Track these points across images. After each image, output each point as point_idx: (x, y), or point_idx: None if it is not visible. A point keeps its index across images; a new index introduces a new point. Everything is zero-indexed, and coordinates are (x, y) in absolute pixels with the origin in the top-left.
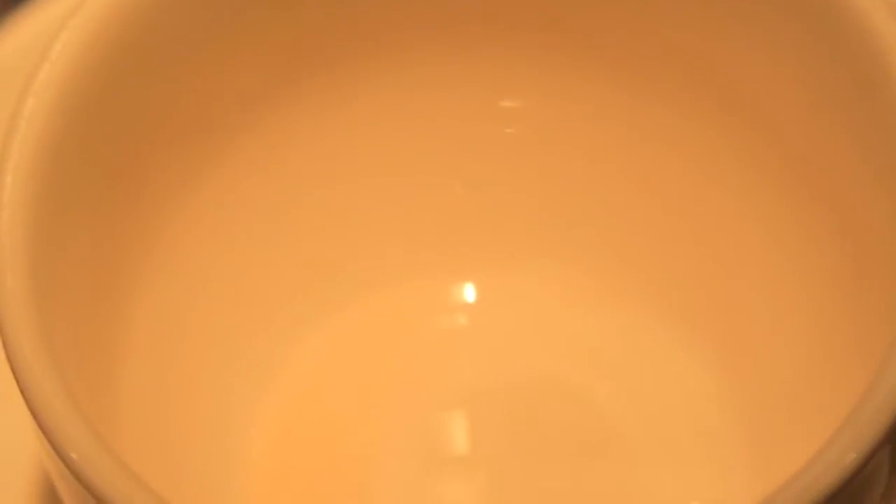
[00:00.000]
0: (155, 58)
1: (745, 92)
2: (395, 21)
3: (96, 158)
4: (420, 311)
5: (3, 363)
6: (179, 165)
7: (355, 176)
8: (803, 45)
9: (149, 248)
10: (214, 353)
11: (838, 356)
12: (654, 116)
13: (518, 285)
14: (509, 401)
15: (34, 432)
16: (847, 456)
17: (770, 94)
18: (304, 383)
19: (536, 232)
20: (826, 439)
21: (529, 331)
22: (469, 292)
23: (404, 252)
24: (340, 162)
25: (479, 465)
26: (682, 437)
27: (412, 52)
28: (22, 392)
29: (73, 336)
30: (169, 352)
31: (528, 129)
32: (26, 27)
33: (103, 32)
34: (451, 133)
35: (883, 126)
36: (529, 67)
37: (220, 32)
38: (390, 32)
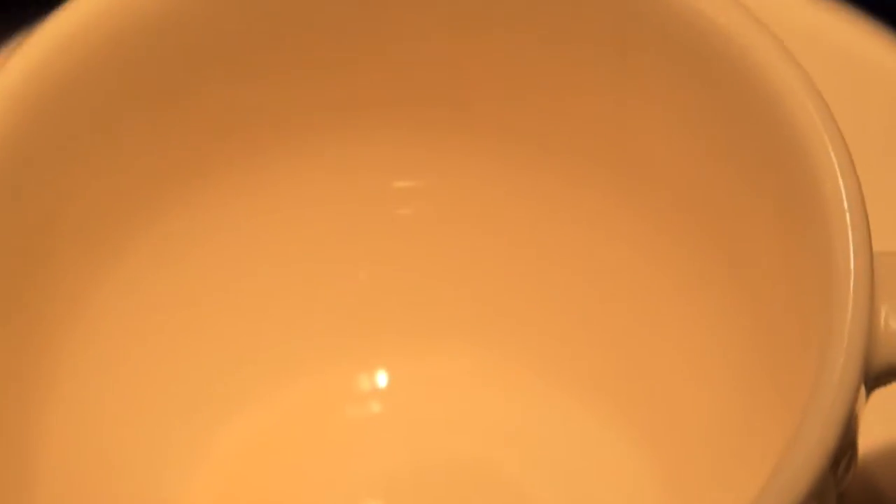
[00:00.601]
0: (53, 155)
1: (642, 154)
2: (289, 110)
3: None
4: (332, 400)
5: None
6: (87, 259)
7: (259, 266)
8: (699, 99)
9: (62, 342)
10: (129, 443)
11: (759, 420)
12: (551, 187)
13: (429, 369)
14: (427, 486)
15: None
16: None
17: (666, 152)
18: (222, 477)
19: (445, 314)
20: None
21: (443, 415)
22: (381, 378)
23: (314, 340)
24: (244, 253)
25: None
26: None
27: (308, 140)
28: None
29: None
30: (87, 444)
31: (424, 209)
32: None
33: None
34: (350, 218)
35: (790, 182)
36: (421, 147)
37: (120, 127)
38: (286, 122)
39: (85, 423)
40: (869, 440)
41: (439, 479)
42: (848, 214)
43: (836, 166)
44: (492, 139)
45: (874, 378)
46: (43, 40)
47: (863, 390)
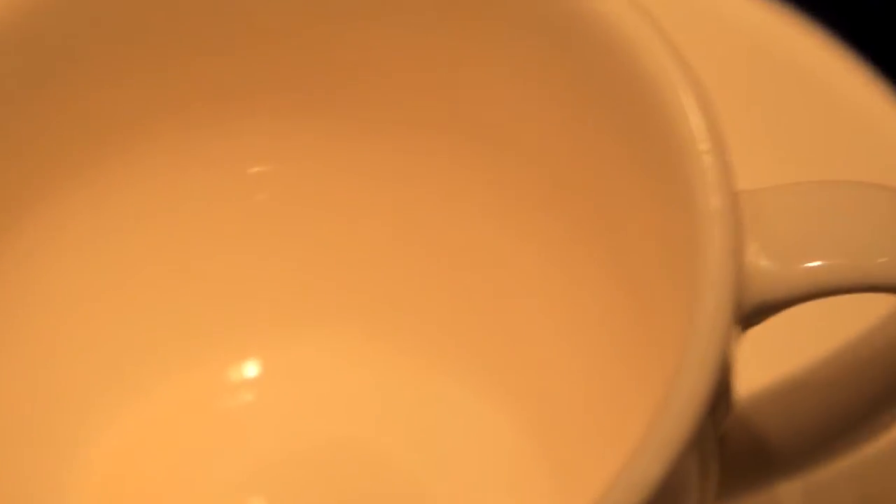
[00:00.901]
0: None
1: (497, 122)
2: (146, 108)
3: None
4: (204, 394)
5: None
6: None
7: (124, 264)
8: (551, 61)
9: None
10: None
11: (637, 377)
12: (407, 163)
13: (300, 356)
14: (305, 471)
15: None
16: (651, 468)
17: (521, 118)
18: (100, 478)
19: (310, 299)
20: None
21: (316, 400)
22: (251, 369)
23: (180, 335)
24: (109, 252)
25: None
26: (483, 481)
27: (165, 136)
28: None
29: None
30: None
31: (281, 194)
32: None
33: None
34: (210, 209)
35: (647, 130)
36: (272, 133)
37: None
38: (144, 120)
39: None
40: (746, 381)
41: (316, 464)
42: (707, 155)
43: (691, 107)
44: (344, 121)
45: (746, 317)
46: None
47: (736, 330)
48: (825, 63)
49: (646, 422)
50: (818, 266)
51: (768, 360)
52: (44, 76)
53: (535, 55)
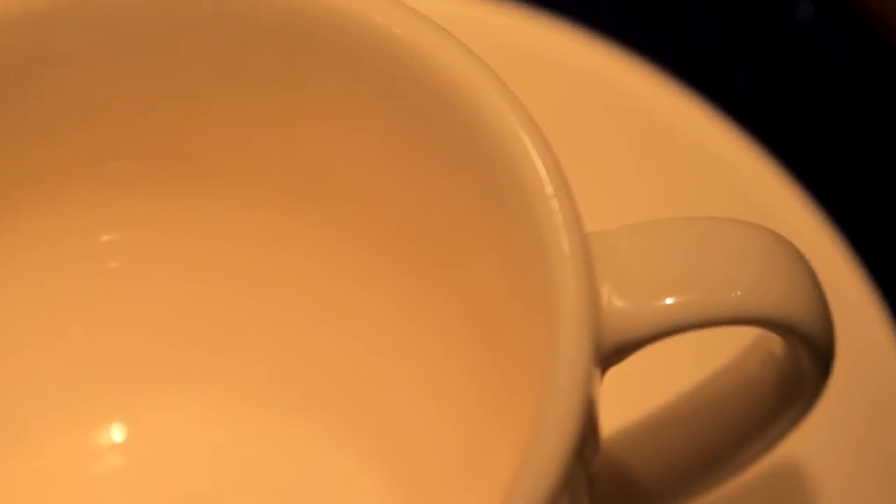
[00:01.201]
0: None
1: (344, 177)
2: None
3: None
4: (70, 460)
5: None
6: None
7: None
8: (390, 114)
9: None
10: None
11: (492, 434)
12: (254, 223)
13: (162, 417)
14: None
15: None
16: None
17: (373, 177)
18: None
19: (170, 362)
20: None
21: (181, 460)
22: (117, 433)
23: (42, 404)
24: None
25: None
26: None
27: (11, 212)
28: None
29: None
30: None
31: (131, 261)
32: None
33: None
34: (62, 280)
35: (491, 177)
36: (121, 200)
37: None
38: None
39: None
40: (610, 421)
41: None
42: (553, 198)
43: (534, 153)
44: (190, 188)
45: (605, 357)
46: None
47: (597, 371)
48: (666, 102)
49: (512, 471)
50: (673, 303)
51: (632, 399)
52: None
53: (374, 111)
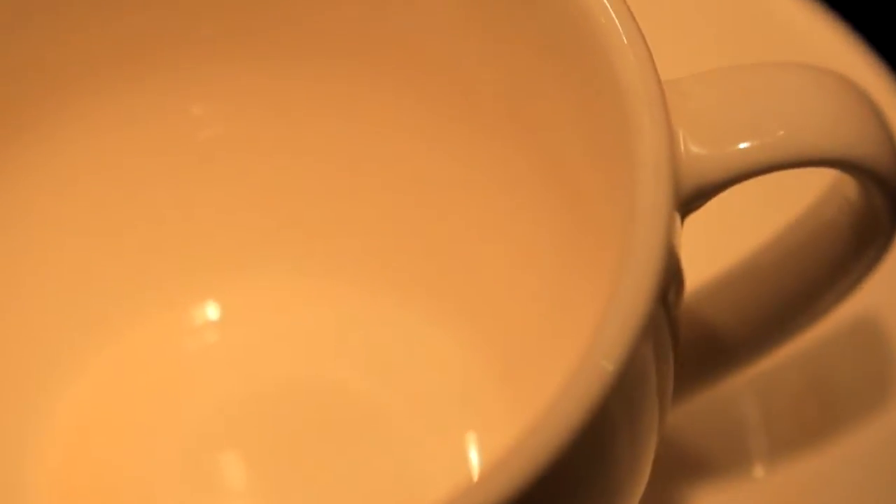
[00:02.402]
0: None
1: (429, 49)
2: (77, 61)
3: None
4: (168, 338)
5: None
6: None
7: (79, 218)
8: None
9: None
10: None
11: (574, 287)
12: (347, 96)
13: (258, 296)
14: (269, 406)
15: None
16: (609, 357)
17: (450, 44)
18: (71, 426)
19: (263, 239)
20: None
21: (277, 339)
22: (212, 311)
23: (137, 282)
24: (61, 210)
25: (257, 470)
26: (438, 399)
27: (103, 92)
28: None
29: None
30: None
31: (223, 134)
32: None
33: None
34: (155, 155)
35: (569, 37)
36: (211, 73)
37: None
38: (71, 78)
39: None
40: (689, 275)
41: (279, 399)
42: (628, 49)
43: (608, 5)
44: (273, 56)
45: (685, 203)
46: None
47: (676, 217)
48: None
49: (597, 317)
50: (748, 146)
51: (713, 250)
52: None
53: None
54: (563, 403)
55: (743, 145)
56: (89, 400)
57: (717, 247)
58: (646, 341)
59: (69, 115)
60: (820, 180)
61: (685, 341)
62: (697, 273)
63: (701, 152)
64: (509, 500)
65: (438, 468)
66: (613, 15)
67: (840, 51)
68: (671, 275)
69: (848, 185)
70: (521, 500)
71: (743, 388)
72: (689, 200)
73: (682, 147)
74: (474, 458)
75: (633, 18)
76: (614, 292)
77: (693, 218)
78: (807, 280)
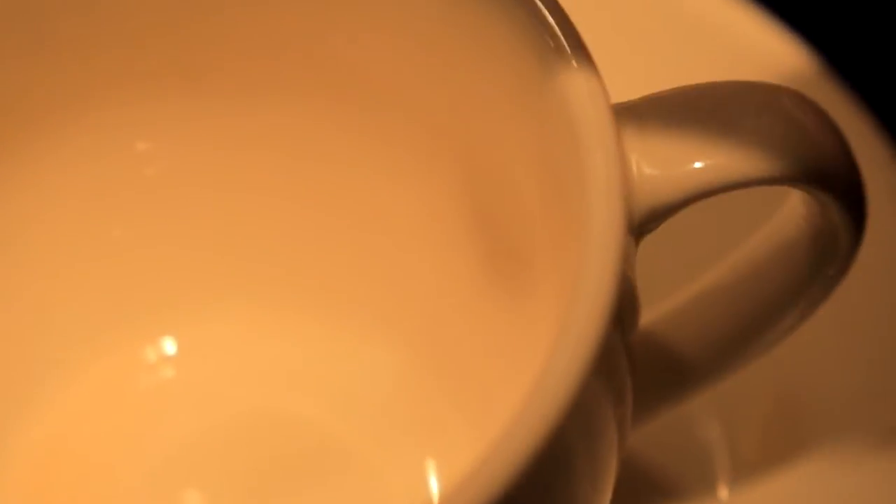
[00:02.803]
0: None
1: (367, 70)
2: (22, 101)
3: None
4: (123, 376)
5: None
6: None
7: (32, 257)
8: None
9: None
10: None
11: (525, 318)
12: (290, 130)
13: (210, 330)
14: (229, 440)
15: None
16: (561, 388)
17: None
18: (27, 471)
19: (215, 275)
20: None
21: (234, 371)
22: (168, 346)
23: (89, 322)
24: (6, 252)
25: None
26: (401, 431)
27: (47, 126)
28: None
29: None
30: None
31: (168, 170)
32: None
33: None
34: (100, 193)
35: (518, 60)
36: (156, 108)
37: None
38: (20, 114)
39: None
40: (647, 296)
41: (239, 433)
42: (577, 72)
43: (557, 28)
44: (217, 94)
45: (638, 226)
46: None
47: (631, 240)
48: None
49: (550, 342)
50: (702, 166)
51: (669, 274)
52: None
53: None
54: (518, 429)
55: (697, 165)
56: (47, 439)
57: (674, 268)
58: (600, 366)
59: (13, 153)
60: (777, 199)
61: (645, 363)
62: (655, 295)
63: (654, 173)
64: None
65: (399, 496)
66: (562, 38)
67: (796, 67)
68: (626, 298)
69: (806, 204)
70: None
71: (706, 408)
72: (644, 222)
73: (635, 169)
74: (434, 485)
75: (582, 41)
76: (567, 317)
77: (650, 239)
78: (767, 301)
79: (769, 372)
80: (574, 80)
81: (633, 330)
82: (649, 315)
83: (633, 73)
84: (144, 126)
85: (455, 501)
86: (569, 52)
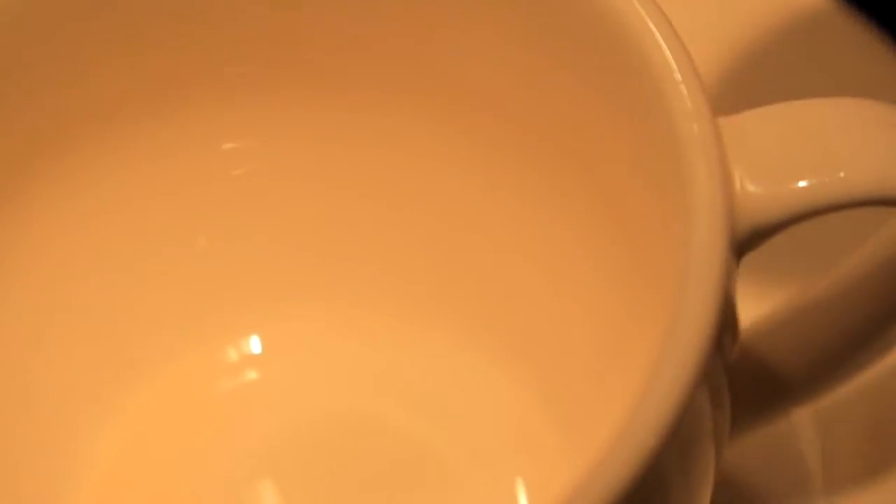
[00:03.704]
0: None
1: (474, 79)
2: (102, 99)
3: None
4: (205, 377)
5: None
6: None
7: (114, 255)
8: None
9: None
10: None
11: (626, 330)
12: (383, 127)
13: (295, 330)
14: (312, 444)
15: None
16: (662, 408)
17: (497, 74)
18: (107, 469)
19: (299, 273)
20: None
21: (318, 374)
22: (252, 346)
23: (173, 321)
24: (97, 244)
25: None
26: (489, 440)
27: (134, 126)
28: None
29: None
30: None
31: (255, 169)
32: None
33: None
34: (186, 190)
35: (620, 69)
36: (241, 109)
37: None
38: (109, 113)
39: None
40: (748, 310)
41: (323, 437)
42: (681, 84)
43: (660, 39)
44: (313, 92)
45: (740, 244)
46: None
47: (732, 258)
48: None
49: (650, 364)
50: (807, 185)
51: (769, 287)
52: (16, 64)
53: (500, 9)
54: (616, 454)
55: (802, 184)
56: (127, 441)
57: (774, 281)
58: (700, 389)
59: (99, 147)
60: (879, 217)
61: (743, 378)
62: (752, 308)
63: (758, 191)
64: None
65: None
66: (667, 51)
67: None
68: (727, 319)
69: None
70: None
71: (805, 424)
72: (746, 241)
73: (739, 186)
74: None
75: (688, 54)
76: (668, 338)
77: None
78: (867, 318)
79: (869, 391)
80: (678, 94)
81: (734, 349)
82: (749, 327)
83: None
84: (232, 125)
85: None
86: (673, 65)
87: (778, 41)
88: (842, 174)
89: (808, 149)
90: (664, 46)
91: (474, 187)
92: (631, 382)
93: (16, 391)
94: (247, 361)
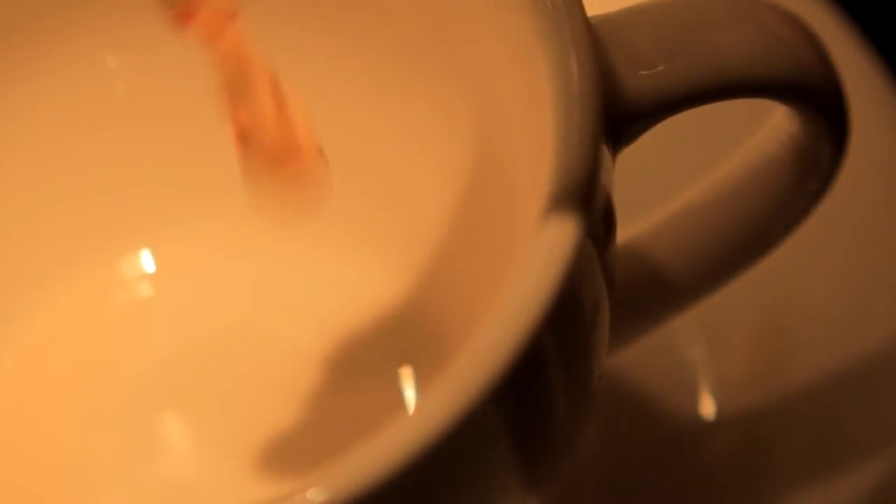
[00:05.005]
0: None
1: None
2: None
3: None
4: (104, 291)
5: None
6: None
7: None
8: None
9: None
10: None
11: (502, 226)
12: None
13: (192, 248)
14: (210, 358)
15: None
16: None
17: None
18: (11, 383)
19: (194, 191)
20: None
21: (212, 290)
22: (146, 263)
23: (64, 238)
24: None
25: (197, 424)
26: (376, 343)
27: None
28: None
29: None
30: None
31: (140, 84)
32: None
33: None
34: (71, 108)
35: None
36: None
37: None
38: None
39: None
40: (631, 214)
41: (220, 353)
42: None
43: None
44: None
45: (615, 131)
46: None
47: (607, 144)
48: None
49: (523, 251)
50: (680, 69)
51: (650, 192)
52: None
53: None
54: (492, 334)
55: (675, 69)
56: (23, 358)
57: (656, 185)
58: (574, 275)
59: None
60: (760, 116)
61: (628, 281)
62: (637, 211)
63: (631, 79)
64: (445, 433)
65: (377, 407)
66: None
67: None
68: (599, 207)
69: (789, 119)
70: (458, 432)
71: (690, 327)
72: (621, 127)
73: (613, 76)
74: (410, 394)
75: None
76: (541, 223)
77: (632, 155)
78: (750, 216)
79: (753, 290)
80: None
81: (610, 240)
82: (633, 229)
83: None
84: (115, 41)
85: (430, 410)
86: None
87: None
88: (716, 60)
89: (683, 39)
90: None
91: (360, 98)
92: (506, 270)
93: None
94: (142, 278)
